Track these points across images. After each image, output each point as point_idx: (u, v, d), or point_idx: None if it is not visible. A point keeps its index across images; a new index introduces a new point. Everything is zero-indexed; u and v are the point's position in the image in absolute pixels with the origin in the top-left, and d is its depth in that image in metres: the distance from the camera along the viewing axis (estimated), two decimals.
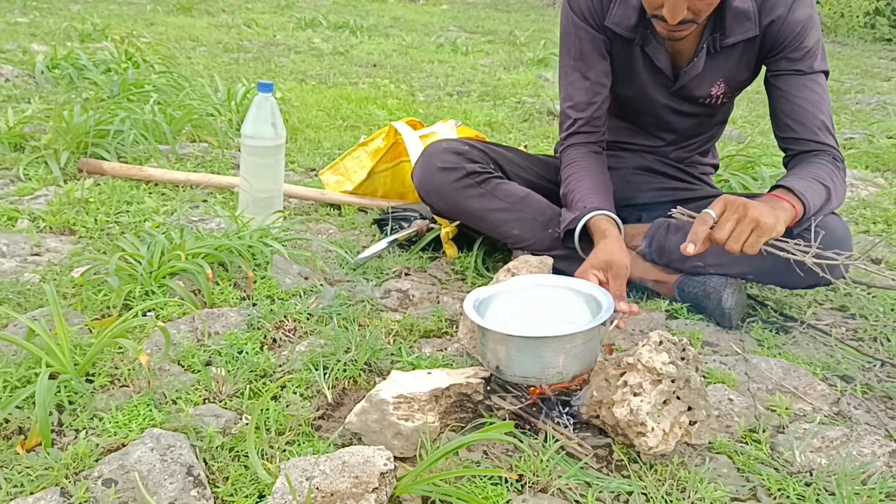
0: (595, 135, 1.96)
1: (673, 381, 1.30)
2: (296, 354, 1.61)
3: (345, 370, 1.55)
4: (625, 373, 1.35)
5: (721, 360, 1.69)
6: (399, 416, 1.29)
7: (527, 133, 3.80)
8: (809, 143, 1.80)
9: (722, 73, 1.87)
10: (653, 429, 1.28)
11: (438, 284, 2.05)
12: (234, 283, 1.88)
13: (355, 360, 1.58)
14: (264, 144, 2.20)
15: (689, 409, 1.33)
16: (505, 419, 1.37)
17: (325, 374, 1.53)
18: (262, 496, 1.19)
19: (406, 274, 2.09)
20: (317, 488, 1.14)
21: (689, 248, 1.52)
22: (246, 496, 1.18)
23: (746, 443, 1.41)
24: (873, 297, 2.03)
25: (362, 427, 1.31)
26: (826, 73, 1.83)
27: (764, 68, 1.88)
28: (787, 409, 1.52)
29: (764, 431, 1.44)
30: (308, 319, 1.76)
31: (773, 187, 1.68)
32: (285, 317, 1.75)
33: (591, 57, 1.90)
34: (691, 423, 1.33)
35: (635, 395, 1.31)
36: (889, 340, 1.80)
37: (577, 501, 1.23)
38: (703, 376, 1.57)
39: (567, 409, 1.40)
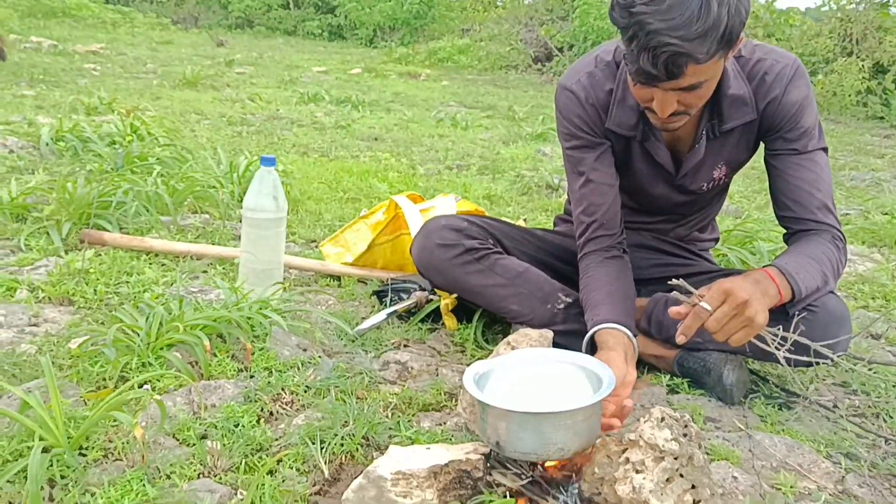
0: (612, 238, 1.90)
1: (676, 459, 1.29)
2: (293, 428, 1.59)
3: (342, 444, 1.53)
4: (626, 449, 1.33)
5: (724, 437, 1.67)
6: (397, 493, 1.26)
7: (525, 206, 3.83)
8: (808, 223, 1.79)
9: (723, 156, 1.88)
10: None
11: (437, 356, 2.03)
12: (232, 355, 1.87)
13: (353, 435, 1.56)
14: (265, 217, 2.21)
15: (693, 486, 1.31)
16: (506, 496, 1.35)
17: (322, 449, 1.50)
18: None
19: (405, 345, 2.08)
20: None
21: (680, 339, 1.51)
22: None
23: None
24: (875, 372, 2.01)
25: None
26: (825, 150, 1.84)
27: (762, 145, 1.90)
28: (791, 487, 1.49)
29: None
30: (306, 392, 1.74)
31: (768, 265, 1.68)
32: (283, 389, 1.73)
33: (597, 163, 1.87)
34: (695, 502, 1.31)
35: (637, 472, 1.29)
36: (892, 417, 1.78)
37: None
38: (707, 453, 1.55)
39: (570, 486, 1.38)
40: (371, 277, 2.51)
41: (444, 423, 1.67)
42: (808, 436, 1.69)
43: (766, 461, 1.59)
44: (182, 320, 1.86)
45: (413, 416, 1.70)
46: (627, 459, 1.31)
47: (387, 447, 1.55)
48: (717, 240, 2.28)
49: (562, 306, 1.94)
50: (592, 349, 1.75)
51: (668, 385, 1.90)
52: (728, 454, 1.58)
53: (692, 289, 1.50)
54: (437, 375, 1.91)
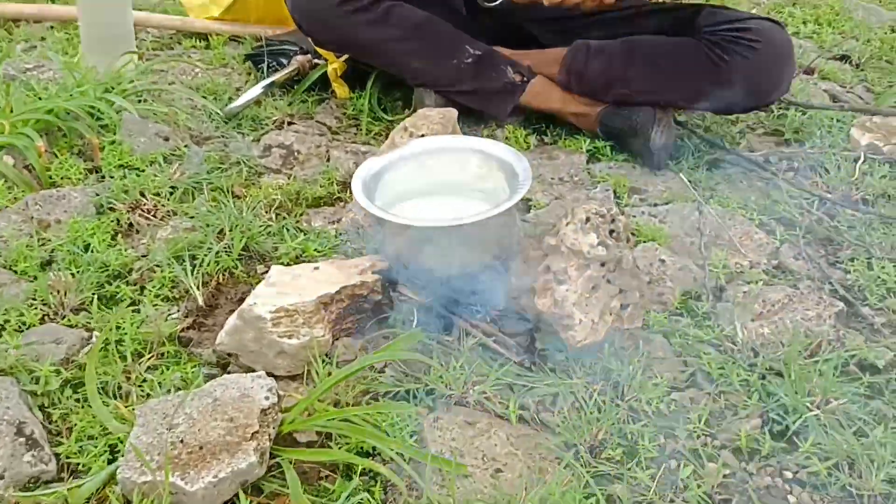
0: None
1: (603, 265, 1.11)
2: (157, 244, 1.34)
3: (217, 262, 1.30)
4: (546, 256, 1.14)
5: (650, 212, 1.50)
6: (280, 334, 1.06)
7: None
8: None
9: None
10: (580, 320, 1.10)
11: (328, 134, 1.76)
12: (78, 152, 1.56)
13: (230, 248, 1.33)
14: None
15: (621, 291, 1.15)
16: (411, 320, 1.17)
17: (193, 270, 1.27)
18: (115, 452, 0.97)
19: (289, 123, 1.78)
20: (181, 441, 0.93)
21: None
22: (94, 456, 0.96)
23: (682, 314, 1.25)
24: (808, 117, 1.84)
25: (237, 347, 1.09)
26: None
27: None
28: (724, 266, 1.35)
29: (700, 299, 1.28)
30: (172, 194, 1.47)
31: None
32: (142, 193, 1.46)
33: None
34: (623, 307, 1.16)
35: (560, 282, 1.11)
36: (827, 171, 1.64)
37: (497, 414, 1.06)
38: (632, 233, 1.39)
39: (485, 299, 1.20)
40: (244, 35, 2.14)
41: (338, 221, 1.45)
42: (740, 202, 1.54)
43: (695, 237, 1.44)
44: (7, 115, 1.52)
45: (301, 214, 1.47)
46: (548, 268, 1.13)
47: (271, 259, 1.34)
48: None
49: (469, 61, 1.66)
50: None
51: (588, 151, 1.70)
52: (655, 233, 1.43)
53: None
54: (328, 160, 1.65)
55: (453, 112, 1.40)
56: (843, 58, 2.21)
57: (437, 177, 1.28)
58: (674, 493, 0.96)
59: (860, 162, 1.64)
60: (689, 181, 1.58)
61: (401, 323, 1.16)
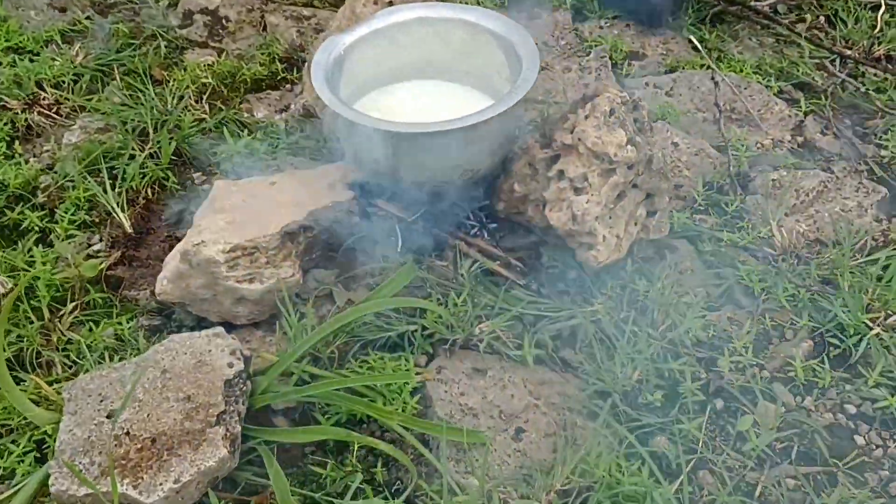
0: None
1: (630, 168, 0.90)
2: (64, 150, 1.08)
3: (143, 172, 1.05)
4: (559, 156, 0.93)
5: (655, 82, 1.28)
6: (239, 278, 0.84)
7: None
8: None
9: None
10: (604, 237, 0.91)
11: None
12: None
13: (157, 153, 1.07)
14: None
15: (647, 196, 0.96)
16: (392, 240, 0.95)
17: (113, 185, 1.02)
18: (44, 448, 0.77)
19: None
20: (126, 433, 0.73)
21: None
22: (18, 456, 0.75)
23: (709, 213, 1.07)
24: None
25: (185, 296, 0.86)
26: None
27: None
28: (745, 148, 1.16)
29: (724, 192, 1.10)
30: (76, 83, 1.19)
31: None
32: (39, 85, 1.17)
33: None
34: (649, 214, 0.97)
35: (578, 192, 0.90)
36: (844, 23, 1.43)
37: (510, 357, 0.88)
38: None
39: (482, 210, 0.99)
40: None
41: (286, 109, 1.19)
42: (754, 64, 1.33)
43: (710, 110, 1.24)
44: None
45: (240, 102, 1.21)
46: (562, 173, 0.91)
47: (209, 165, 1.09)
48: None
49: None
50: None
51: (572, 6, 1.44)
52: (664, 109, 1.22)
53: None
54: (265, 28, 1.36)
55: None
56: None
57: (414, 55, 1.03)
58: (728, 446, 0.81)
59: (881, 11, 1.42)
60: (695, 42, 1.36)
61: (381, 244, 0.95)
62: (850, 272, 0.96)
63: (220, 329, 0.82)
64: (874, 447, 0.82)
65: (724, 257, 1.00)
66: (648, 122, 0.96)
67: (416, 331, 0.87)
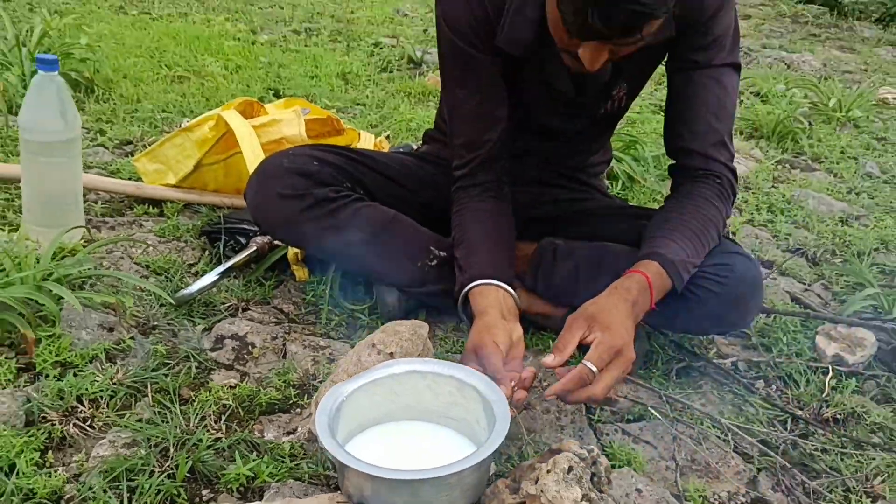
0: (492, 171, 1.57)
1: None
2: (92, 462, 1.22)
3: (159, 489, 1.18)
4: (525, 503, 1.06)
5: (623, 429, 1.44)
6: None
7: (386, 88, 3.38)
8: (698, 160, 1.54)
9: (623, 76, 1.55)
10: None
11: (285, 323, 1.67)
12: (10, 344, 1.44)
13: (174, 471, 1.21)
14: (49, 140, 1.71)
15: None
16: None
17: (130, 499, 1.15)
18: None
19: (244, 308, 1.69)
20: None
21: (548, 393, 1.26)
22: None
23: None
24: (774, 319, 1.83)
25: None
26: (737, 68, 1.55)
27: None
28: (702, 499, 1.29)
29: None
30: (112, 399, 1.35)
31: (648, 254, 1.41)
32: (80, 399, 1.34)
33: (485, 87, 1.52)
34: None
35: None
36: (797, 384, 1.61)
37: None
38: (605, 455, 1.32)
39: None
40: (202, 204, 2.07)
41: (293, 432, 1.34)
42: (714, 419, 1.49)
43: (669, 461, 1.37)
44: None
45: (253, 423, 1.36)
46: None
47: (218, 481, 1.22)
48: (609, 161, 1.98)
49: (434, 263, 1.60)
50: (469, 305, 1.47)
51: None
52: (630, 457, 1.36)
53: None
54: (285, 356, 1.55)
55: (424, 327, 1.33)
56: (798, 250, 2.24)
57: (407, 401, 1.20)
58: None
59: (829, 377, 1.61)
60: (662, 395, 1.53)
61: None
62: None
63: None
64: None
65: None
66: (606, 477, 1.10)
67: None
